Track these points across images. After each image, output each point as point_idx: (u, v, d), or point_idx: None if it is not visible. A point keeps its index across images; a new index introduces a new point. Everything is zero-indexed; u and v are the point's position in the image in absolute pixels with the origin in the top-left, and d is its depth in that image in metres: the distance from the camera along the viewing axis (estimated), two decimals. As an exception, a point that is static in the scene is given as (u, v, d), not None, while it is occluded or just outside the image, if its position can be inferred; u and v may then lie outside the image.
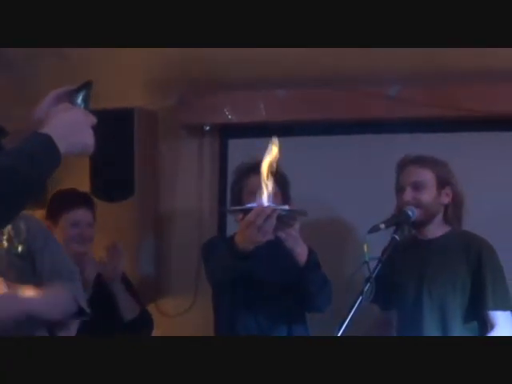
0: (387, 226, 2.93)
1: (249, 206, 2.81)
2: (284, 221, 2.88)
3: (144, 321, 3.50)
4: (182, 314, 4.05)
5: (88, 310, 2.84)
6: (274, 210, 2.74)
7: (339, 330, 2.58)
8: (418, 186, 3.12)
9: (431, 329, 3.06)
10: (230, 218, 3.78)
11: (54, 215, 3.42)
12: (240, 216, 2.82)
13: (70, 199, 3.45)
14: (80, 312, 2.84)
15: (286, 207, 2.87)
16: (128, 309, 3.43)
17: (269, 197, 2.74)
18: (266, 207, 2.73)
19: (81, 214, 3.40)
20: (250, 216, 2.75)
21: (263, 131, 3.94)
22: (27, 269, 2.76)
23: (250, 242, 2.80)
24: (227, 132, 4.13)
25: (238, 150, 3.94)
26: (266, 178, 2.73)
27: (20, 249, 2.78)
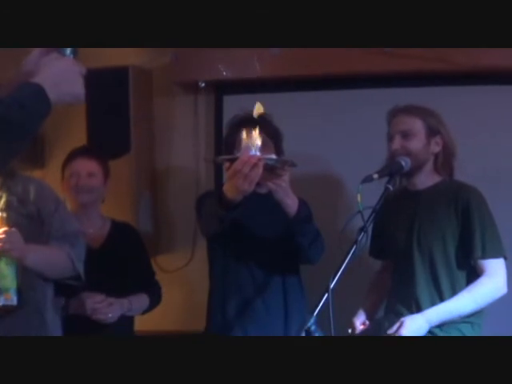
0: (380, 176, 2.94)
1: (236, 155, 2.83)
2: (274, 172, 2.90)
3: (153, 302, 3.54)
4: (181, 270, 4.10)
5: (83, 277, 2.92)
6: (260, 159, 2.77)
7: (333, 279, 2.62)
8: (407, 134, 3.12)
9: (421, 278, 3.09)
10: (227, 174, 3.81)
11: (62, 171, 3.47)
12: (227, 165, 2.84)
13: (72, 152, 3.49)
14: (76, 276, 2.91)
15: (273, 156, 2.89)
16: (138, 312, 3.49)
17: (256, 147, 2.76)
18: (253, 156, 2.76)
19: (78, 164, 3.42)
20: (236, 165, 2.77)
21: (258, 87, 3.99)
22: (34, 230, 2.84)
23: (237, 191, 2.82)
24: (222, 88, 4.14)
25: (233, 106, 3.92)
26: (254, 128, 2.76)
27: (29, 209, 2.83)
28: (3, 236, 2.66)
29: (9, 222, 2.72)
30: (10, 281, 2.66)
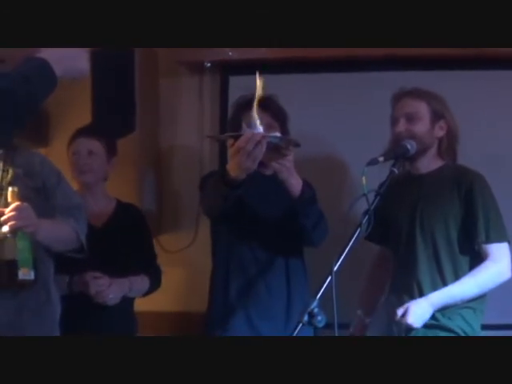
0: (386, 159, 2.93)
1: (239, 133, 2.83)
2: (278, 151, 2.89)
3: (153, 285, 3.53)
4: (184, 250, 4.09)
5: (86, 248, 2.93)
6: (264, 137, 2.76)
7: (336, 262, 2.61)
8: (411, 118, 3.12)
9: (424, 263, 3.10)
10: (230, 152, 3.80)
11: (67, 151, 3.48)
12: (231, 142, 2.83)
13: (75, 131, 3.49)
14: (79, 249, 2.92)
15: (277, 134, 2.88)
16: (138, 293, 3.48)
17: (260, 124, 2.76)
18: (256, 133, 2.76)
19: (79, 143, 3.43)
20: (239, 142, 2.77)
21: (263, 68, 3.97)
22: (41, 202, 2.82)
23: (240, 168, 2.81)
24: (228, 69, 4.11)
25: (238, 86, 3.92)
26: (257, 107, 2.75)
27: (34, 182, 2.82)
28: (17, 211, 2.64)
29: (20, 196, 2.70)
30: (27, 255, 2.66)
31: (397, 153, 3.02)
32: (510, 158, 3.75)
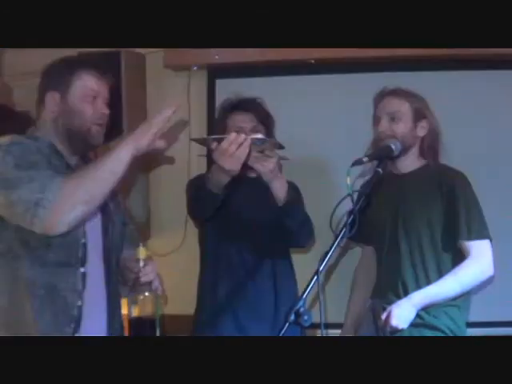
0: (370, 160, 2.91)
1: (222, 135, 2.84)
2: (262, 153, 2.91)
3: None
4: (172, 253, 4.11)
5: None
6: (247, 138, 2.78)
7: (322, 263, 2.60)
8: (393, 117, 3.12)
9: (408, 262, 3.10)
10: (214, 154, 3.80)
11: None
12: (214, 144, 2.84)
13: None
14: None
15: (260, 135, 2.89)
16: None
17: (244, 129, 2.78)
18: (239, 135, 2.77)
19: None
20: (222, 144, 2.78)
21: (250, 71, 4.01)
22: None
23: (224, 170, 2.83)
24: (214, 72, 4.15)
25: (225, 89, 3.94)
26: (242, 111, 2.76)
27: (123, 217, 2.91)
28: (154, 272, 2.73)
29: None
30: (159, 314, 2.72)
31: (381, 153, 3.01)
32: (490, 156, 3.78)
